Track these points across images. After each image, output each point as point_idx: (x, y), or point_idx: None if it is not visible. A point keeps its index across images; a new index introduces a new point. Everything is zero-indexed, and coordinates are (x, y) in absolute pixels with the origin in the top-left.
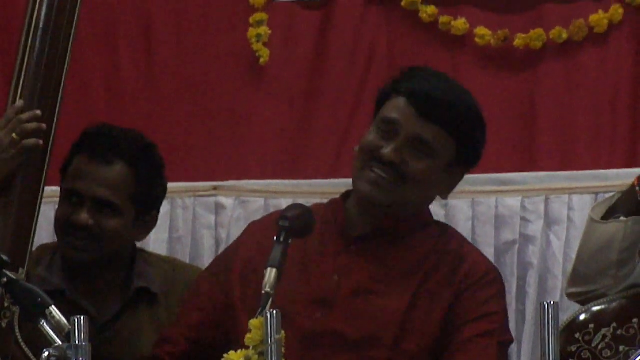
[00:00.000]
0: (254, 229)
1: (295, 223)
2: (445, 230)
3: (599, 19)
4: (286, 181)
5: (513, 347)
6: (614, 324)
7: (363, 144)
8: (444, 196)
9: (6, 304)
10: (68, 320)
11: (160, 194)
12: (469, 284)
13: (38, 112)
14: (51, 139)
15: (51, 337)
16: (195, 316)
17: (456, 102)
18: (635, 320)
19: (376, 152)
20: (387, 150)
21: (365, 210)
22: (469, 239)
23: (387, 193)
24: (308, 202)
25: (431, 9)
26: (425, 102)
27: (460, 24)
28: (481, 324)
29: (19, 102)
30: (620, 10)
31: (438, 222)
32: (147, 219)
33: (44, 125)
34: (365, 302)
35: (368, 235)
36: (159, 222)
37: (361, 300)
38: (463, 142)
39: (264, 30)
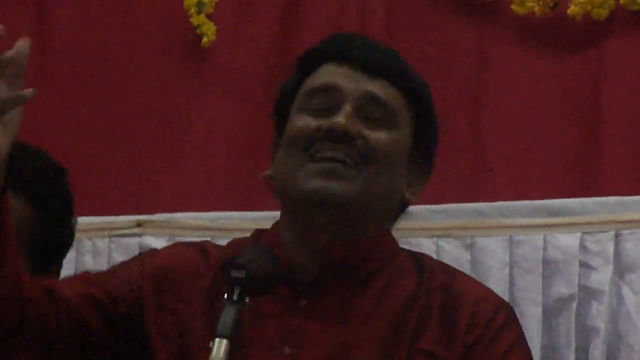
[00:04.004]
0: (181, 251)
1: (254, 273)
2: (421, 262)
3: None
4: (240, 213)
5: None
6: None
7: (292, 133)
8: (412, 195)
9: None
10: None
11: (67, 241)
12: (478, 335)
13: None
14: None
15: None
16: (114, 284)
17: (400, 56)
18: None
19: (318, 133)
20: (337, 119)
21: (311, 226)
22: (506, 292)
23: (349, 183)
24: None
25: None
26: (366, 55)
27: None
28: None
29: None
30: None
31: (407, 251)
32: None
33: None
34: None
35: (321, 280)
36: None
37: None
38: (419, 108)
39: None
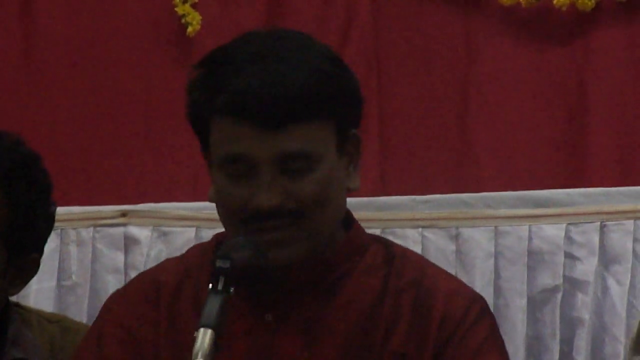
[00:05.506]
0: (172, 268)
1: (239, 262)
2: (391, 253)
3: None
4: None
5: None
6: None
7: (223, 203)
8: (356, 184)
9: None
10: None
11: (43, 229)
12: (450, 333)
13: None
14: None
15: None
16: None
17: (303, 73)
18: None
19: (247, 209)
20: (259, 201)
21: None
22: (490, 283)
23: (297, 246)
24: None
25: None
26: (267, 110)
27: None
28: None
29: None
30: None
31: (376, 239)
32: (23, 266)
33: None
34: None
35: (286, 294)
36: (43, 264)
37: None
38: (336, 109)
39: None
